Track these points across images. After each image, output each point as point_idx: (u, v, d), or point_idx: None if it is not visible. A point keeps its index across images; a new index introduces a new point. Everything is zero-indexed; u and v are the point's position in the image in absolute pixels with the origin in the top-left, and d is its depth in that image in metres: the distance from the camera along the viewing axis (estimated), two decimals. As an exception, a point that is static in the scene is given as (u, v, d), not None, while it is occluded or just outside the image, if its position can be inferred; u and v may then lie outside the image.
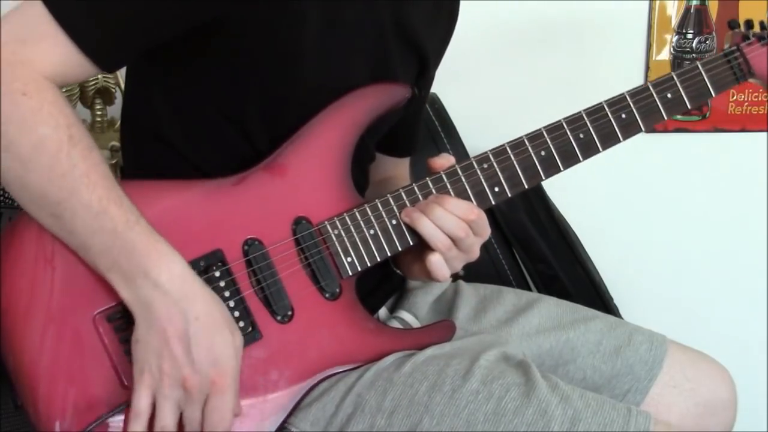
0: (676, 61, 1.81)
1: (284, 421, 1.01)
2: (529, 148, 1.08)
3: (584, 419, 0.97)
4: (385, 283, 1.20)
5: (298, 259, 1.03)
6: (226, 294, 0.99)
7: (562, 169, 1.09)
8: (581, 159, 1.10)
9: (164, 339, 0.90)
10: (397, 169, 1.30)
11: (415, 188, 1.06)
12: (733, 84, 1.16)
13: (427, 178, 1.07)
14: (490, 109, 1.76)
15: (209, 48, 1.01)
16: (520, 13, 1.76)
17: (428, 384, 1.00)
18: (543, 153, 1.08)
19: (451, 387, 0.99)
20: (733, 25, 1.20)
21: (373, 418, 1.00)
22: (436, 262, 1.04)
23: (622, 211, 1.87)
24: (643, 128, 1.11)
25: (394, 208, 1.06)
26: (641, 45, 1.82)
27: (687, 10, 1.80)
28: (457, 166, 1.07)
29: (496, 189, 1.08)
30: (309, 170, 1.05)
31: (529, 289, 1.63)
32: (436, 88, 1.34)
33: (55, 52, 0.91)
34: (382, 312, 1.22)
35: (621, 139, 1.11)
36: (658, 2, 1.80)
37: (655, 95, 1.11)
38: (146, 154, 1.11)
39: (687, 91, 1.12)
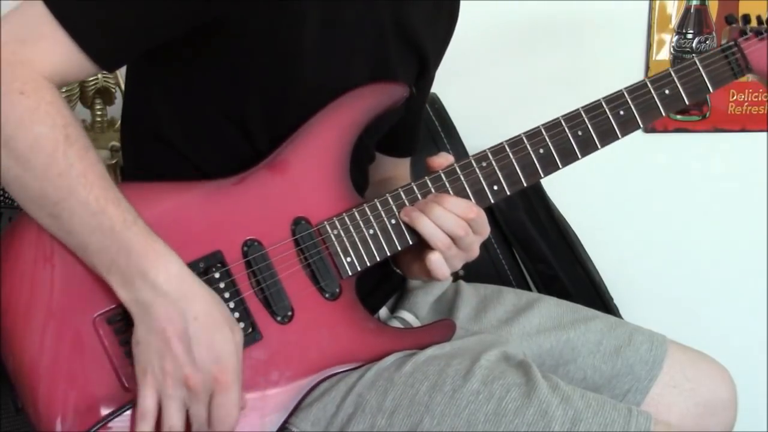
0: (676, 61, 1.81)
1: (285, 421, 1.01)
2: (528, 146, 1.08)
3: (585, 419, 0.97)
4: (384, 283, 1.20)
5: (298, 259, 1.03)
6: (226, 295, 0.99)
7: (560, 166, 1.09)
8: (580, 156, 1.09)
9: (165, 339, 0.90)
10: (397, 169, 1.30)
11: (414, 187, 1.06)
12: (731, 79, 1.16)
13: (426, 178, 1.07)
14: (490, 109, 1.76)
15: (209, 48, 1.01)
16: (520, 13, 1.76)
17: (429, 384, 1.00)
18: (542, 151, 1.08)
19: (451, 387, 0.99)
20: (730, 20, 1.19)
21: (373, 418, 1.00)
22: (435, 261, 1.04)
23: (622, 210, 1.87)
24: (641, 125, 1.11)
25: (393, 207, 1.06)
26: (641, 45, 1.82)
27: (687, 10, 1.80)
28: (455, 164, 1.07)
29: (495, 187, 1.08)
30: (308, 170, 1.05)
31: (529, 289, 1.63)
32: (436, 88, 1.34)
33: (55, 51, 0.91)
34: (383, 312, 1.22)
35: (619, 136, 1.11)
36: (658, 2, 1.80)
37: (652, 91, 1.11)
38: (146, 154, 1.11)
39: (685, 87, 1.12)
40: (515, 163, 1.07)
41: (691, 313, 1.88)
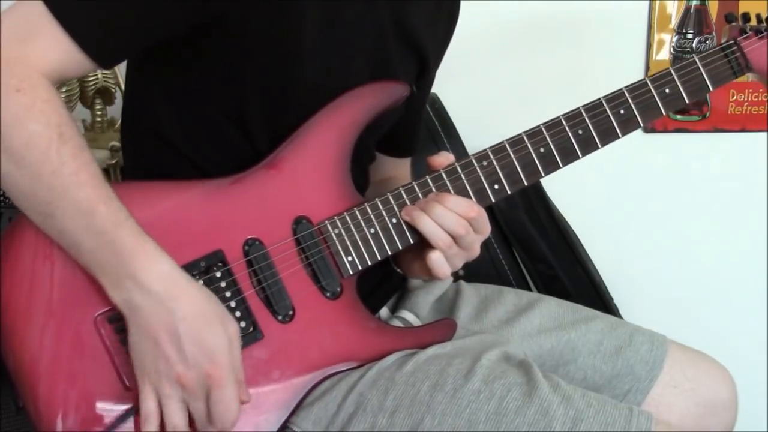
0: (676, 61, 1.80)
1: (286, 421, 1.01)
2: (529, 145, 1.08)
3: (586, 419, 0.97)
4: (385, 282, 1.20)
5: (299, 258, 1.03)
6: (227, 294, 0.99)
7: (561, 165, 1.09)
8: (580, 155, 1.10)
9: (155, 340, 0.90)
10: (398, 169, 1.30)
11: (415, 186, 1.06)
12: (731, 78, 1.16)
13: (427, 177, 1.07)
14: (490, 109, 1.76)
15: (209, 48, 1.01)
16: (520, 13, 1.76)
17: (430, 383, 1.00)
18: (542, 150, 1.08)
19: (452, 386, 0.99)
20: (730, 18, 1.19)
21: (374, 417, 1.00)
22: (436, 260, 1.04)
23: (622, 210, 1.87)
24: (641, 124, 1.11)
25: (394, 206, 1.06)
26: (641, 45, 1.82)
27: (687, 10, 1.80)
28: (456, 164, 1.07)
29: (496, 186, 1.08)
30: (308, 170, 1.05)
31: (529, 289, 1.63)
32: (436, 88, 1.34)
33: (53, 49, 0.91)
34: (384, 312, 1.22)
35: (620, 135, 1.11)
36: (658, 2, 1.80)
37: (653, 90, 1.11)
38: (146, 154, 1.11)
39: (685, 86, 1.12)
40: (516, 162, 1.08)
41: (691, 313, 1.88)
